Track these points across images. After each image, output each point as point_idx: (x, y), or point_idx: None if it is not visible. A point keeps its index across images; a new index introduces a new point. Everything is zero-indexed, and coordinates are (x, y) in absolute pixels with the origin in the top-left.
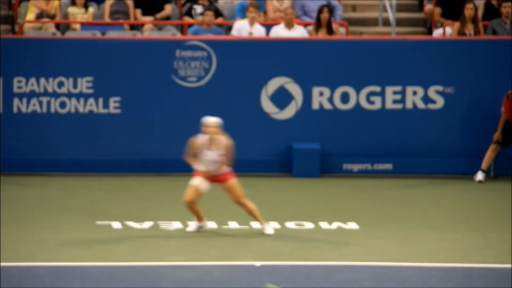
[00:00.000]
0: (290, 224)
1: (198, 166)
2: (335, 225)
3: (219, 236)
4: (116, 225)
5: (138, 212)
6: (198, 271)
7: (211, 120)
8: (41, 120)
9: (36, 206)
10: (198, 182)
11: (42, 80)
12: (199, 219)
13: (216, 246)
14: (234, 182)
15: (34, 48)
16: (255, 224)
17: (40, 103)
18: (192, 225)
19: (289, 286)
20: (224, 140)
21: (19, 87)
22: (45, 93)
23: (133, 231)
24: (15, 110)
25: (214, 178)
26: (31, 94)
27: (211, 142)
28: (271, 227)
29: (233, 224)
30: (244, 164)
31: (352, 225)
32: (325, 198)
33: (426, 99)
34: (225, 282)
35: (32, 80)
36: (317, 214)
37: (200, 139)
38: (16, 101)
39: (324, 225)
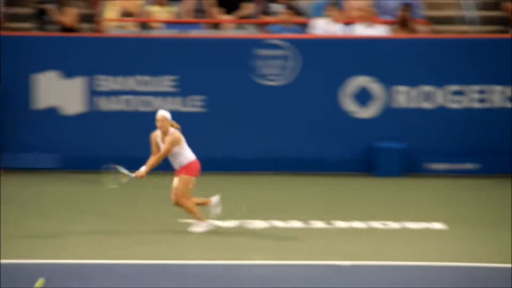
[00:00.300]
0: (376, 224)
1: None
2: (420, 225)
3: (305, 235)
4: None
5: (222, 210)
6: (283, 271)
7: (159, 114)
8: (125, 118)
9: (123, 202)
10: (174, 182)
11: (126, 79)
12: (198, 218)
13: (301, 245)
14: (185, 178)
15: (117, 46)
16: (340, 224)
17: (126, 101)
18: (202, 226)
19: (375, 285)
20: (171, 133)
21: (103, 86)
22: (129, 92)
23: (218, 230)
24: (98, 108)
25: (177, 172)
26: (114, 93)
27: (164, 135)
28: (204, 225)
29: (317, 224)
30: (325, 163)
31: (438, 225)
32: (410, 198)
33: None
34: (310, 281)
35: (116, 79)
36: (402, 214)
37: (156, 133)
38: (100, 99)
39: (409, 225)
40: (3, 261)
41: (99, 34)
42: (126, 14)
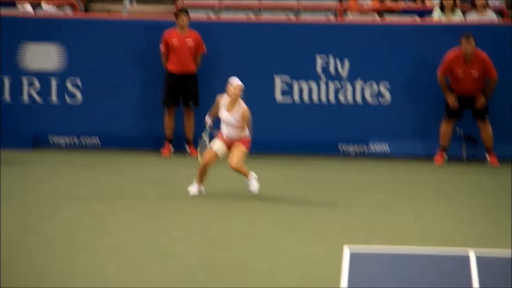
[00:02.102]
0: None
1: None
2: None
3: None
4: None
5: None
6: None
7: (239, 83)
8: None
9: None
10: (217, 147)
11: None
12: (201, 181)
13: None
14: (243, 148)
15: None
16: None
17: None
18: (195, 188)
19: None
20: (243, 107)
21: None
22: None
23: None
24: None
25: (231, 143)
26: None
27: (232, 104)
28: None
29: None
30: None
31: None
32: None
33: None
34: None
35: None
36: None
37: (224, 98)
38: None
39: None
40: None
41: None
42: None
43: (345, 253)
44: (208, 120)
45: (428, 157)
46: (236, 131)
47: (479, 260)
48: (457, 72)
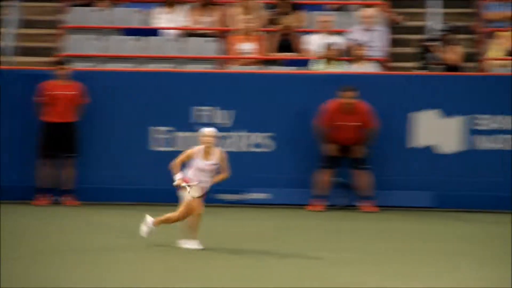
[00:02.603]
0: None
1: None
2: None
3: None
4: None
5: None
6: None
7: (209, 130)
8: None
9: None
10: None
11: (503, 118)
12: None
13: None
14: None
15: (498, 84)
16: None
17: (503, 140)
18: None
19: None
20: (219, 150)
21: (481, 124)
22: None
23: None
24: (476, 147)
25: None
26: (492, 132)
27: (208, 152)
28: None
29: None
30: None
31: None
32: None
33: None
34: None
35: (494, 118)
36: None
37: (196, 149)
38: (477, 137)
39: None
40: None
41: (482, 73)
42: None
43: None
44: (180, 175)
45: (307, 205)
46: (211, 177)
47: None
48: (336, 122)
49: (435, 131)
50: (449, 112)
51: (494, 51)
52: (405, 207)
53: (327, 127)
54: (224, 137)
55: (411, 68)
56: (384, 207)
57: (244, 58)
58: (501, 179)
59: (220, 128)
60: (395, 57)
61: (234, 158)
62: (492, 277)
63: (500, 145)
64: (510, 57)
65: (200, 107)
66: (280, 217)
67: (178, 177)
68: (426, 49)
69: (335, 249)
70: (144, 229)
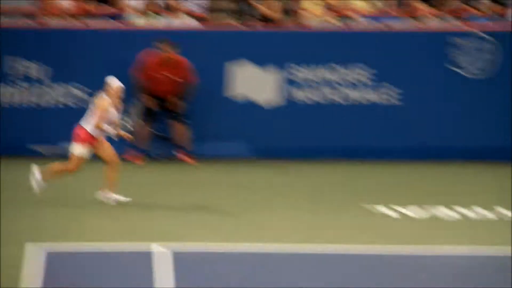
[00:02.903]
0: None
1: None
2: None
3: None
4: (381, 208)
5: (414, 198)
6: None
7: (118, 83)
8: (319, 110)
9: (309, 191)
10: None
11: (321, 70)
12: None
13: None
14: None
15: (316, 39)
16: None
17: (320, 92)
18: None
19: None
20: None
21: (297, 76)
22: (324, 83)
23: (409, 219)
24: (293, 99)
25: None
26: (309, 84)
27: (116, 104)
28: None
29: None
30: None
31: None
32: None
33: None
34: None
35: (312, 70)
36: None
37: (105, 99)
38: (294, 90)
39: None
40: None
41: (298, 26)
42: (328, 7)
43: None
44: (109, 128)
45: (124, 154)
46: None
47: (176, 256)
48: (154, 74)
49: (252, 83)
50: (265, 64)
51: (311, 4)
52: (223, 158)
53: (145, 80)
54: (41, 92)
55: (229, 22)
56: (202, 158)
57: (61, 13)
58: (315, 130)
59: (37, 82)
60: (214, 11)
61: (49, 113)
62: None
63: (315, 97)
64: (325, 11)
65: (14, 58)
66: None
67: (109, 129)
68: (245, 3)
69: (154, 200)
70: (34, 183)
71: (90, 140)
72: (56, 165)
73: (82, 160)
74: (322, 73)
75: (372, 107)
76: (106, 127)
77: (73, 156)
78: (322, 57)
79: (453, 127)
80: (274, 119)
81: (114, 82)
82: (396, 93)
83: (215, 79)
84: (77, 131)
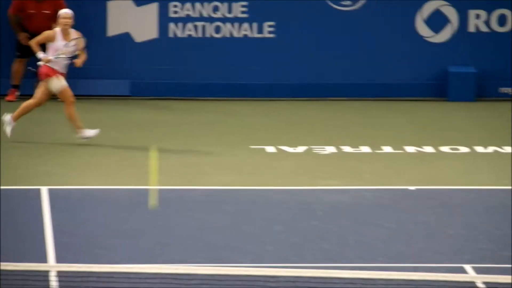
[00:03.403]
0: (445, 148)
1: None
2: (491, 149)
3: (373, 160)
4: (270, 149)
5: (291, 136)
6: (352, 195)
7: (66, 11)
8: (196, 45)
9: (190, 130)
10: (64, 82)
11: (197, 5)
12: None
13: (370, 170)
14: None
15: None
16: (409, 149)
17: (195, 27)
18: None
19: (444, 210)
20: (75, 32)
21: (175, 12)
22: (200, 18)
23: (287, 155)
24: (170, 34)
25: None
26: (186, 19)
27: (66, 33)
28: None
29: (387, 149)
30: (399, 88)
31: (508, 149)
32: (481, 122)
33: None
34: (379, 205)
35: (188, 5)
36: (473, 138)
37: (55, 30)
38: (171, 25)
39: (479, 149)
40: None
41: None
42: None
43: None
44: (36, 47)
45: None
46: (69, 61)
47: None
48: (29, 10)
49: (130, 18)
50: (145, 1)
51: None
52: (103, 96)
53: (19, 16)
54: None
55: None
56: (82, 96)
57: None
58: (195, 67)
59: None
60: None
61: None
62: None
63: (192, 32)
64: None
65: None
66: None
67: (41, 55)
68: None
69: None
70: (7, 129)
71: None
72: (27, 102)
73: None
74: (199, 8)
75: (249, 42)
76: (42, 53)
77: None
78: None
79: (330, 62)
80: (153, 56)
81: (63, 12)
82: (270, 27)
83: (93, 14)
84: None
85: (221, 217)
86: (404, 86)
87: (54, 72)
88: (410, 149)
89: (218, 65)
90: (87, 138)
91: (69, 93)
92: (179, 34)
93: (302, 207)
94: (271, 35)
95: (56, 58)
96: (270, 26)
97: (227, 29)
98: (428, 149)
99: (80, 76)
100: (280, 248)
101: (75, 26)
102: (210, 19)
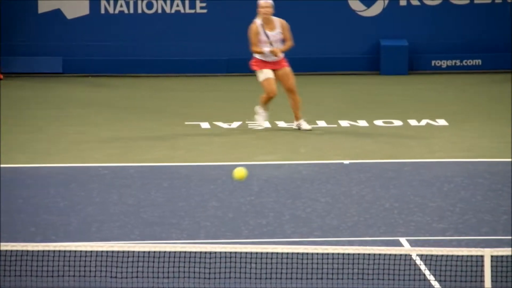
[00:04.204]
0: (379, 122)
1: (261, 55)
2: (424, 122)
3: (309, 135)
4: (205, 125)
5: (226, 112)
6: (287, 170)
7: (265, 1)
8: (128, 21)
9: (125, 107)
10: (270, 74)
11: None
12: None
13: (305, 145)
14: (289, 69)
15: None
16: (343, 123)
17: (127, 4)
18: (262, 117)
19: (378, 183)
20: (278, 20)
21: None
22: None
23: (222, 131)
24: (102, 11)
25: (273, 65)
26: None
27: (268, 22)
28: (306, 123)
29: (321, 123)
30: (332, 62)
31: (442, 122)
32: (414, 95)
33: None
34: (315, 180)
35: None
36: (406, 111)
37: (256, 23)
38: (103, 2)
39: (413, 122)
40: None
41: None
42: None
43: None
44: (259, 49)
45: None
46: (281, 46)
47: None
48: None
49: None
50: None
51: None
52: (35, 74)
53: None
54: None
55: None
56: (14, 74)
57: None
58: (122, 43)
59: None
60: None
61: None
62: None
63: (124, 8)
64: None
65: None
66: None
67: (267, 49)
68: None
69: None
70: (259, 118)
71: (262, 65)
72: (261, 97)
73: (268, 82)
74: None
75: (181, 17)
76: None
77: (261, 84)
78: None
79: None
80: (85, 33)
81: (261, 1)
82: (202, 2)
83: None
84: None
85: (156, 194)
86: (337, 60)
87: (264, 64)
88: (344, 123)
89: (150, 41)
90: (306, 129)
91: (271, 87)
92: (111, 10)
93: (238, 183)
94: (203, 11)
95: (266, 49)
96: (202, 1)
97: (159, 5)
98: (362, 122)
99: (12, 54)
100: (216, 224)
101: (6, 4)
102: None
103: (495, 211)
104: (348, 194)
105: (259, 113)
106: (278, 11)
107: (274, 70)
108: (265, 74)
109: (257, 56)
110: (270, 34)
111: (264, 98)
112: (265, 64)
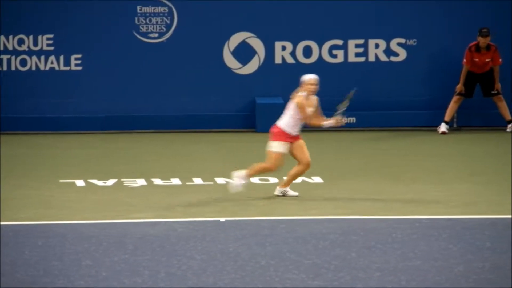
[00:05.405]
0: (255, 180)
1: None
2: (299, 179)
3: (184, 192)
4: (80, 183)
5: (101, 169)
6: (163, 228)
7: (314, 77)
8: (1, 78)
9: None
10: (287, 150)
11: (2, 38)
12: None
13: (180, 202)
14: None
15: None
16: (219, 180)
17: (0, 60)
18: (240, 185)
19: (254, 241)
20: (315, 97)
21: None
22: (5, 51)
23: (97, 189)
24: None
25: (292, 139)
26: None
27: (308, 98)
28: (292, 191)
29: (197, 180)
30: (208, 120)
31: (317, 179)
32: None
33: (388, 51)
34: (190, 238)
35: None
36: (282, 169)
37: (301, 97)
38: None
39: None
40: None
41: None
42: None
43: None
44: (320, 120)
45: None
46: (300, 124)
47: None
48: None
49: None
50: None
51: None
52: None
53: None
54: None
55: None
56: None
57: None
58: (3, 99)
59: None
60: None
61: None
62: None
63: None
64: None
65: None
66: None
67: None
68: None
69: None
70: (238, 183)
71: (285, 137)
72: (258, 165)
73: (280, 157)
74: (4, 41)
75: (56, 74)
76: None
77: (271, 154)
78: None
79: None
80: None
81: (308, 77)
82: (77, 59)
83: None
84: (272, 129)
85: (30, 253)
86: (213, 117)
87: (286, 137)
88: (220, 180)
89: (24, 99)
90: (293, 195)
91: (278, 162)
92: (15, 68)
93: (112, 240)
94: (78, 68)
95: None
96: (77, 58)
97: (33, 62)
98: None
99: None
100: (90, 283)
101: None
102: (15, 52)
103: (369, 268)
104: (225, 252)
105: (241, 178)
106: (152, 69)
107: (291, 143)
108: (283, 148)
109: (283, 127)
110: (308, 111)
111: (261, 168)
112: (287, 137)
